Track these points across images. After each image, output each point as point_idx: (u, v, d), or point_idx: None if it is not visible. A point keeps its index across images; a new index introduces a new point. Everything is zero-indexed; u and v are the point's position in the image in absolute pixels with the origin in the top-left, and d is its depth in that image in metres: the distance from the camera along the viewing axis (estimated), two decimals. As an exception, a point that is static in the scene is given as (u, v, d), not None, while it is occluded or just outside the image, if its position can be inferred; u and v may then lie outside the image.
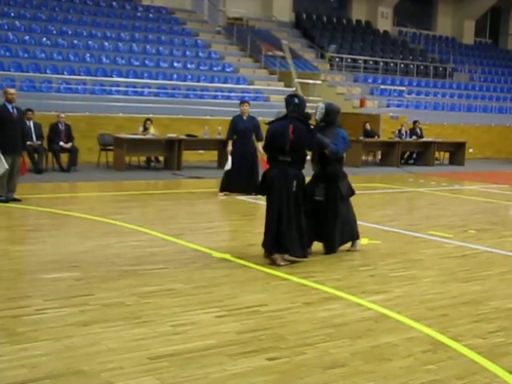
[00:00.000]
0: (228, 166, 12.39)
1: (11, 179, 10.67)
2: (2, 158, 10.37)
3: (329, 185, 7.88)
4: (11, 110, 10.73)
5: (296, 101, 7.35)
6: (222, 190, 12.48)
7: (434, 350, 4.94)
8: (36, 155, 14.53)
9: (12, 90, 10.85)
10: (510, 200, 14.30)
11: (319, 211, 7.84)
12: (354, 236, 8.19)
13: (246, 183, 12.33)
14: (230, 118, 12.86)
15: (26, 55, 19.32)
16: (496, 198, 13.94)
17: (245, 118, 12.57)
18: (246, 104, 12.66)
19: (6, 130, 10.51)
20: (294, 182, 7.23)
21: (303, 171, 7.43)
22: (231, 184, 12.41)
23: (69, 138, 15.22)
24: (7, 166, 10.38)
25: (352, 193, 8.18)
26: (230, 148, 12.53)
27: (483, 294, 6.52)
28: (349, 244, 8.20)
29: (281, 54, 24.11)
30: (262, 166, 12.60)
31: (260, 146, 12.59)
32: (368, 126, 20.56)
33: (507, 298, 6.44)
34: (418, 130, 21.19)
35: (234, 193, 12.39)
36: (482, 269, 7.58)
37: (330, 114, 7.90)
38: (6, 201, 10.51)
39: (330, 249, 7.95)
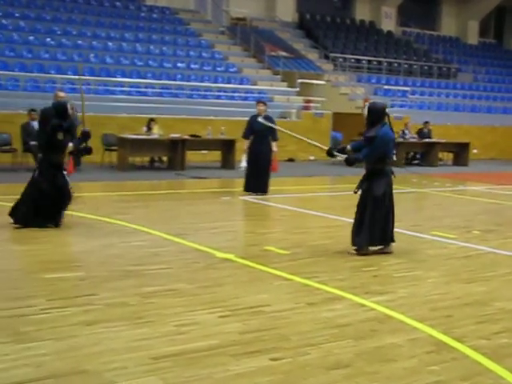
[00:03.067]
0: (244, 164, 12.59)
1: None
2: None
3: (364, 182, 7.98)
4: None
5: None
6: (246, 190, 12.64)
7: (438, 351, 4.92)
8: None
9: None
10: (514, 200, 14.29)
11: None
12: (385, 239, 8.03)
13: (260, 183, 12.44)
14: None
15: (29, 55, 19.37)
16: (500, 199, 13.90)
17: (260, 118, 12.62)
18: (261, 104, 12.75)
19: None
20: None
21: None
22: (251, 184, 12.58)
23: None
24: None
25: (384, 195, 7.88)
26: (245, 147, 12.73)
27: (487, 295, 6.49)
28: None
29: (284, 53, 24.12)
30: (274, 166, 12.89)
31: (275, 146, 12.84)
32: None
33: None
34: (427, 131, 21.10)
35: (254, 192, 12.48)
36: (486, 269, 7.55)
37: (372, 113, 7.88)
38: None
39: (354, 244, 7.99)
